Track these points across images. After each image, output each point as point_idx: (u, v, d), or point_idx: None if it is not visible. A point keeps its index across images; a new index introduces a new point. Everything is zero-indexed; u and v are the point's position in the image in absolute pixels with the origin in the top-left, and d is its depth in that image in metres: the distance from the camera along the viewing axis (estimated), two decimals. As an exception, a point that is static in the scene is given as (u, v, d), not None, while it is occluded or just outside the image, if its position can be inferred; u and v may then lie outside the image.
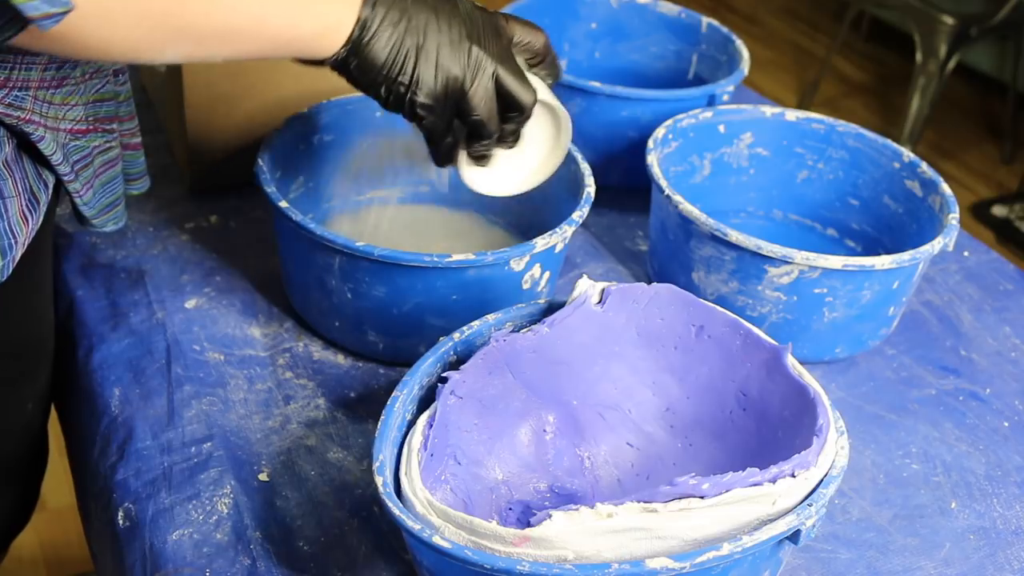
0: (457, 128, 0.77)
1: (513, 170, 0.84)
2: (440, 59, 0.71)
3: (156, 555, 0.73)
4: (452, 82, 0.72)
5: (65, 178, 0.76)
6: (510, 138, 0.79)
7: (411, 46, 0.71)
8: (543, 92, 0.79)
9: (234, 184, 1.08)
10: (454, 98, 0.73)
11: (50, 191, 0.76)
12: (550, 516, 0.60)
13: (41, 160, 0.74)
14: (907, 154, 1.01)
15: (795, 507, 0.63)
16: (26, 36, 0.59)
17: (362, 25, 0.69)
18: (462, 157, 0.80)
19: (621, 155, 1.11)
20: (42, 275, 0.86)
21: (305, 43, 0.70)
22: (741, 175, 1.08)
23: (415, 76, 0.71)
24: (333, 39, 0.70)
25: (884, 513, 0.82)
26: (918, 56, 2.72)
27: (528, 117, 0.77)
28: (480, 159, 0.80)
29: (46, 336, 0.90)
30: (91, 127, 0.79)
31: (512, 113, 0.76)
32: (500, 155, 0.81)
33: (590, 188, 0.91)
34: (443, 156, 0.78)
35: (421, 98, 0.72)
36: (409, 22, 0.70)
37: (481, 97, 0.73)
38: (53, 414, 0.99)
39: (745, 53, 1.15)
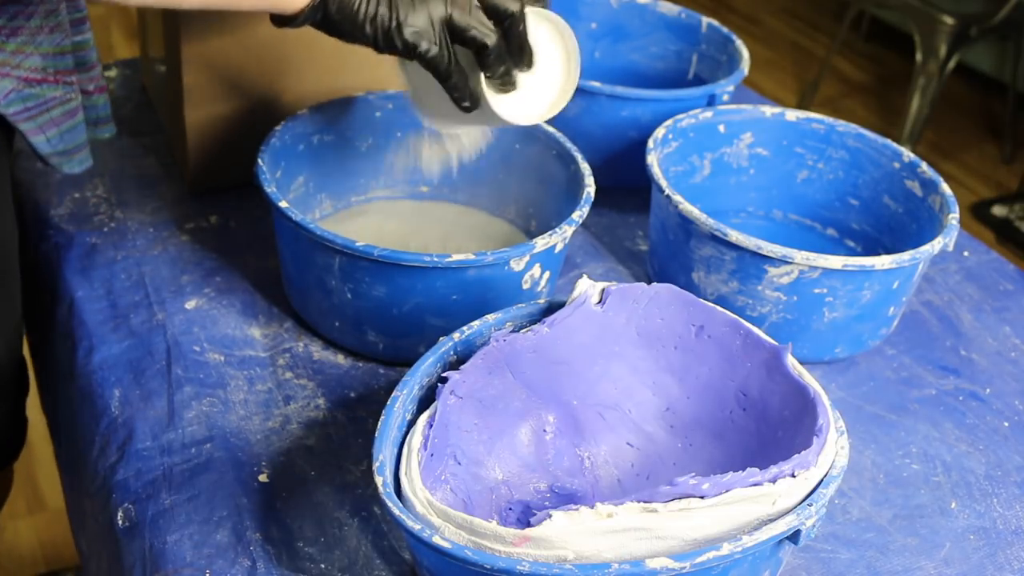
0: (463, 57, 0.77)
1: (538, 94, 0.84)
2: None
3: (156, 556, 0.73)
4: (433, 3, 0.73)
5: (16, 121, 0.79)
6: (519, 54, 0.78)
7: None
8: (536, 8, 0.80)
9: (234, 184, 1.08)
10: (439, 19, 0.74)
11: None
12: (550, 516, 0.60)
13: None
14: (907, 154, 1.01)
15: (795, 507, 0.63)
16: None
17: None
18: (487, 91, 0.79)
19: (621, 155, 1.11)
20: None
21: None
22: (741, 175, 1.08)
23: (393, 5, 0.72)
24: None
25: (884, 513, 0.82)
26: (918, 56, 2.72)
27: (522, 21, 0.77)
28: (504, 84, 0.79)
29: (8, 255, 0.93)
30: (47, 77, 0.82)
31: (505, 21, 0.76)
32: (523, 82, 0.81)
33: (590, 188, 0.91)
34: (462, 92, 0.78)
35: (408, 25, 0.73)
36: None
37: (464, 9, 0.74)
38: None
39: (745, 53, 1.15)
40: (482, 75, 0.78)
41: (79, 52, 0.88)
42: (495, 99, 0.80)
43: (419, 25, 0.73)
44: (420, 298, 0.84)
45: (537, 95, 0.83)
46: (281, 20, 0.75)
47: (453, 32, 0.75)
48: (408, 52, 0.74)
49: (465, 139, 0.94)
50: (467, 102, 0.79)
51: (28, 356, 1.12)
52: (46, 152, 0.87)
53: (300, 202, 0.99)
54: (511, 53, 0.78)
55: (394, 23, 0.73)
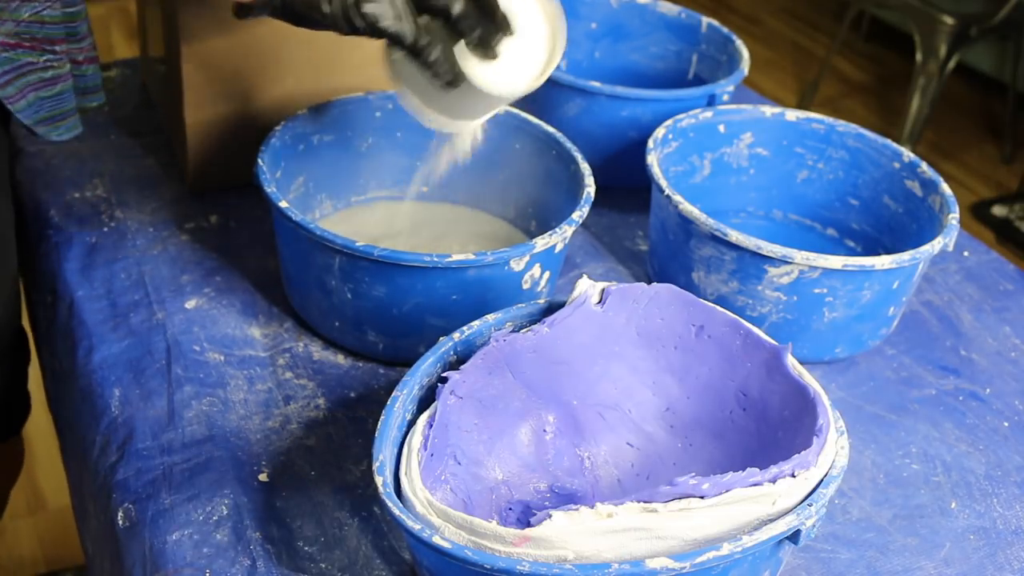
0: (433, 28, 0.74)
1: (524, 63, 0.80)
2: None
3: (156, 555, 0.73)
4: None
5: None
6: (492, 16, 0.75)
7: None
8: None
9: (234, 184, 1.08)
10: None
11: None
12: (550, 516, 0.60)
13: None
14: (907, 154, 1.01)
15: (795, 507, 0.63)
16: None
17: None
18: (468, 61, 0.76)
19: (621, 155, 1.11)
20: None
21: None
22: (741, 175, 1.08)
23: None
24: None
25: (884, 513, 0.82)
26: (918, 56, 2.72)
27: None
28: (485, 52, 0.76)
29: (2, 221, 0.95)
30: (21, 43, 0.85)
31: None
32: (507, 50, 0.78)
33: (590, 188, 0.91)
34: (440, 67, 0.75)
35: (372, 10, 0.71)
36: None
37: None
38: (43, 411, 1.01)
39: (745, 53, 1.15)
40: (463, 45, 0.75)
41: (70, 24, 0.91)
42: (477, 68, 0.76)
43: None
44: (420, 298, 0.84)
45: (523, 64, 0.80)
46: (241, 9, 0.75)
47: (415, 2, 0.72)
48: (371, 30, 0.72)
49: (464, 138, 0.92)
50: (448, 77, 0.75)
51: (32, 358, 1.12)
52: (29, 121, 0.90)
53: (300, 202, 0.99)
54: (484, 17, 0.75)
55: (351, 0, 0.71)
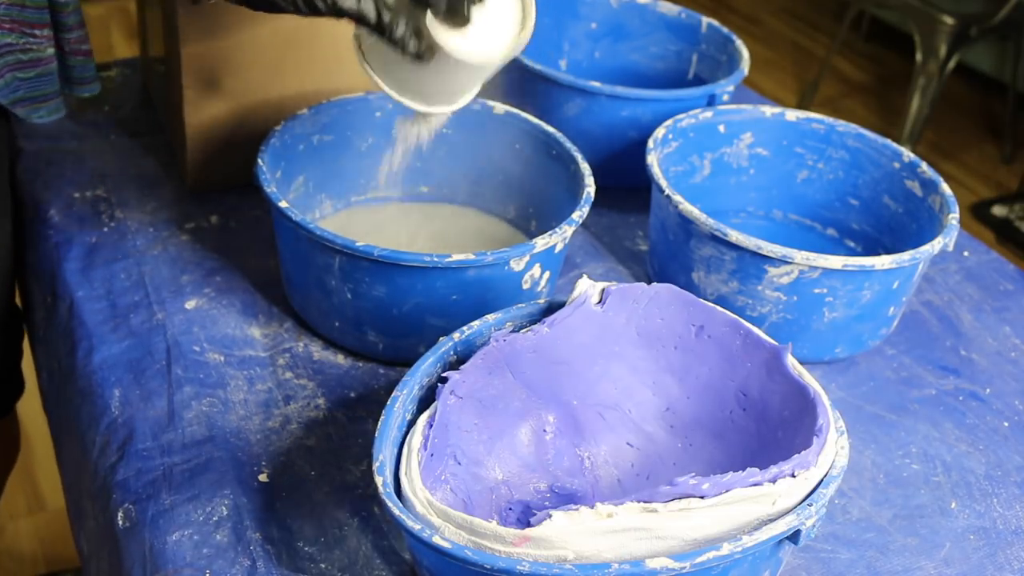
0: (399, 4, 0.72)
1: (496, 29, 0.78)
2: None
3: (156, 556, 0.73)
4: None
5: None
6: None
7: None
8: None
9: (234, 184, 1.08)
10: None
11: None
12: (550, 516, 0.60)
13: None
14: (907, 154, 1.01)
15: (795, 507, 0.63)
16: None
17: None
18: (439, 32, 0.73)
19: (621, 155, 1.11)
20: None
21: None
22: (741, 175, 1.08)
23: None
24: None
25: (884, 513, 0.82)
26: (918, 56, 2.72)
27: None
28: (455, 18, 0.73)
29: None
30: (1, 24, 0.88)
31: None
32: (476, 17, 0.75)
33: (590, 188, 0.91)
34: (406, 40, 0.72)
35: None
36: None
37: None
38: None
39: (745, 53, 1.15)
40: (431, 18, 0.73)
41: (58, 14, 0.93)
42: (450, 38, 0.74)
43: None
44: (420, 298, 0.84)
45: (496, 30, 0.77)
46: None
47: None
48: (332, 10, 0.70)
49: (433, 120, 0.88)
50: (417, 49, 0.72)
51: (28, 359, 1.12)
52: (6, 101, 0.92)
53: (300, 202, 0.99)
54: None
55: None
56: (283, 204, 0.85)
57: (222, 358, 0.89)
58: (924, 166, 1.00)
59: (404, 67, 0.77)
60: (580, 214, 0.88)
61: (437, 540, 0.59)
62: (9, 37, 0.90)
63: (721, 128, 1.05)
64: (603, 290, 0.77)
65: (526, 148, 1.01)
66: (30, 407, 1.14)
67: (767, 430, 0.72)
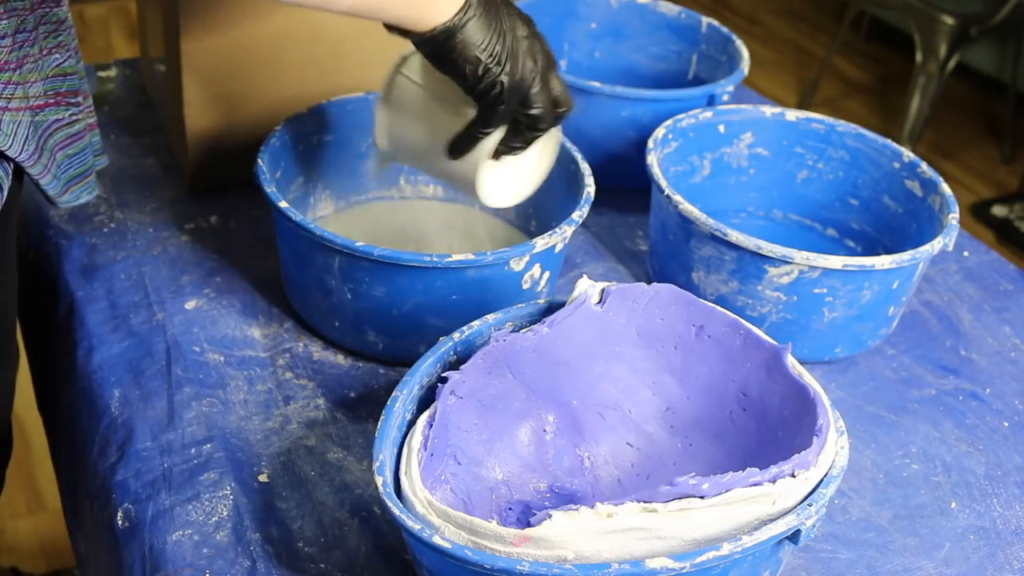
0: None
1: (517, 177, 0.86)
2: (523, 48, 0.76)
3: (156, 556, 0.73)
4: (530, 72, 0.76)
5: (24, 164, 0.78)
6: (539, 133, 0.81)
7: (500, 31, 0.75)
8: None
9: (234, 184, 1.08)
10: (527, 88, 0.76)
11: (10, 176, 0.78)
12: (550, 516, 0.60)
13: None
14: (907, 154, 1.01)
15: (795, 507, 0.63)
16: None
17: (465, 9, 0.74)
18: (484, 165, 0.80)
19: (621, 155, 1.11)
20: (3, 259, 0.86)
21: (413, 12, 0.74)
22: (741, 175, 1.08)
23: (505, 59, 0.75)
24: (437, 15, 0.74)
25: (884, 513, 0.82)
26: (918, 56, 2.72)
27: (567, 114, 0.80)
28: (511, 151, 0.81)
29: (7, 323, 0.91)
30: (50, 101, 0.81)
31: (561, 109, 0.79)
32: (511, 167, 0.84)
33: (590, 188, 0.91)
34: (467, 144, 0.80)
35: (508, 80, 0.75)
36: (497, 11, 0.75)
37: (551, 89, 0.78)
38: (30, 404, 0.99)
39: (745, 53, 1.15)
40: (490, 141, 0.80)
41: (80, 78, 0.86)
42: (488, 176, 0.82)
43: (513, 79, 0.76)
44: (420, 298, 0.84)
45: (519, 176, 0.86)
46: (407, 34, 0.76)
47: (524, 101, 0.77)
48: (488, 102, 0.76)
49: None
50: (460, 154, 0.80)
51: (25, 359, 1.12)
52: (54, 191, 0.84)
53: (300, 202, 0.99)
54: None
55: (501, 74, 0.75)
56: (283, 204, 0.85)
57: (222, 358, 0.89)
58: (924, 166, 1.00)
59: (432, 151, 0.82)
60: (580, 214, 0.88)
61: (437, 540, 0.59)
62: (56, 113, 0.83)
63: (721, 128, 1.05)
64: (603, 290, 0.77)
65: (526, 148, 1.00)
66: (29, 407, 1.14)
67: (767, 430, 0.72)
